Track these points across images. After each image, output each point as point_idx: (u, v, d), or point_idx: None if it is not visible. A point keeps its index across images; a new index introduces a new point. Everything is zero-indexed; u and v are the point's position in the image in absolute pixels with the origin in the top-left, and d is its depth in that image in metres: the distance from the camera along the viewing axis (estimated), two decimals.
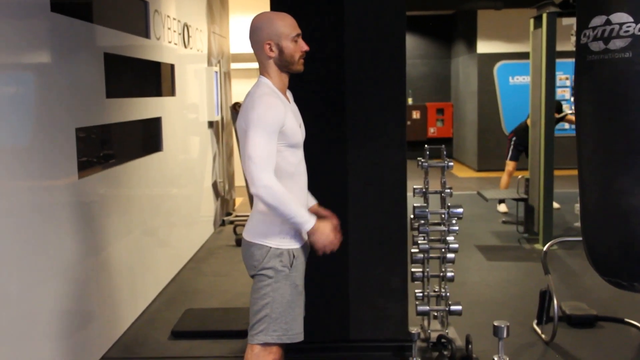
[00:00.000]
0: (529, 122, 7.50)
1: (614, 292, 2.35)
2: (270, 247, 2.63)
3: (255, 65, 2.70)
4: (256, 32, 2.63)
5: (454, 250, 3.97)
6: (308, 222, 2.55)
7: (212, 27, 7.75)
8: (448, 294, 3.97)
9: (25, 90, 3.20)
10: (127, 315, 4.49)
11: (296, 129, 2.63)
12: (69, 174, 3.58)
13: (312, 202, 2.94)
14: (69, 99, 3.60)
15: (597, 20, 2.06)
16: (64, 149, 3.52)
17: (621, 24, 1.98)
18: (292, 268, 2.66)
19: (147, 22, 5.20)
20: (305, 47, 2.66)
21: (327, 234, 2.60)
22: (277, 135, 2.51)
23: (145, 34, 5.17)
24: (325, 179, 3.77)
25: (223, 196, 8.10)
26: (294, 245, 2.68)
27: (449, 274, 3.96)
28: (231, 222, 7.76)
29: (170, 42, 5.84)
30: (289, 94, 2.79)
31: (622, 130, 2.00)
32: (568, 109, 7.78)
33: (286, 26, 2.61)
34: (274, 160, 2.50)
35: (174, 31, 6.00)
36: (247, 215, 2.79)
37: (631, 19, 1.96)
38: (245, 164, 2.49)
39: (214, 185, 7.67)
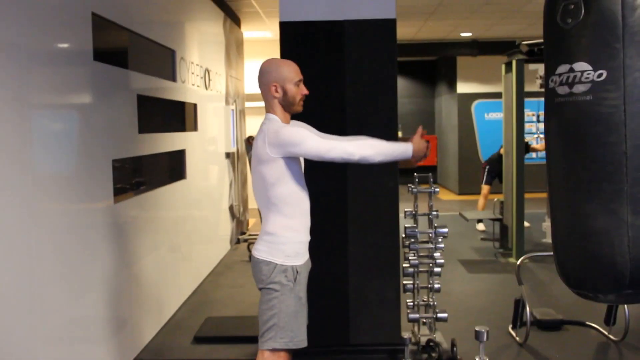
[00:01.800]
0: (502, 151, 7.54)
1: (577, 299, 2.35)
2: (277, 264, 2.62)
3: None
4: (264, 75, 2.64)
5: (440, 265, 3.95)
6: (407, 150, 2.56)
7: (229, 71, 7.81)
8: (435, 303, 3.95)
9: (70, 127, 3.22)
10: (155, 323, 4.46)
11: (297, 160, 2.63)
12: (106, 198, 3.59)
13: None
14: (107, 134, 3.62)
15: (562, 68, 2.08)
16: (102, 177, 3.53)
17: (582, 72, 2.01)
18: (296, 282, 2.64)
19: (174, 67, 5.24)
20: (305, 91, 2.66)
21: (421, 146, 2.59)
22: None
23: (172, 77, 5.21)
24: (328, 204, 3.78)
25: (238, 217, 8.09)
26: (298, 262, 2.67)
27: (436, 286, 3.93)
28: (245, 240, 7.74)
29: (193, 85, 5.87)
30: None
31: (586, 162, 2.01)
32: (534, 140, 7.78)
33: (291, 72, 2.62)
34: (327, 136, 2.58)
35: (197, 75, 6.04)
36: None
37: (590, 68, 1.99)
38: (329, 158, 2.49)
39: (230, 208, 7.66)
